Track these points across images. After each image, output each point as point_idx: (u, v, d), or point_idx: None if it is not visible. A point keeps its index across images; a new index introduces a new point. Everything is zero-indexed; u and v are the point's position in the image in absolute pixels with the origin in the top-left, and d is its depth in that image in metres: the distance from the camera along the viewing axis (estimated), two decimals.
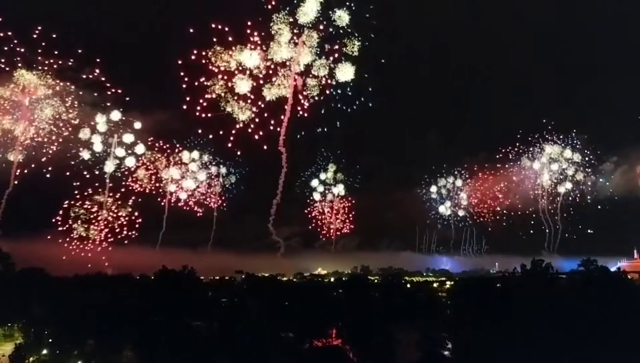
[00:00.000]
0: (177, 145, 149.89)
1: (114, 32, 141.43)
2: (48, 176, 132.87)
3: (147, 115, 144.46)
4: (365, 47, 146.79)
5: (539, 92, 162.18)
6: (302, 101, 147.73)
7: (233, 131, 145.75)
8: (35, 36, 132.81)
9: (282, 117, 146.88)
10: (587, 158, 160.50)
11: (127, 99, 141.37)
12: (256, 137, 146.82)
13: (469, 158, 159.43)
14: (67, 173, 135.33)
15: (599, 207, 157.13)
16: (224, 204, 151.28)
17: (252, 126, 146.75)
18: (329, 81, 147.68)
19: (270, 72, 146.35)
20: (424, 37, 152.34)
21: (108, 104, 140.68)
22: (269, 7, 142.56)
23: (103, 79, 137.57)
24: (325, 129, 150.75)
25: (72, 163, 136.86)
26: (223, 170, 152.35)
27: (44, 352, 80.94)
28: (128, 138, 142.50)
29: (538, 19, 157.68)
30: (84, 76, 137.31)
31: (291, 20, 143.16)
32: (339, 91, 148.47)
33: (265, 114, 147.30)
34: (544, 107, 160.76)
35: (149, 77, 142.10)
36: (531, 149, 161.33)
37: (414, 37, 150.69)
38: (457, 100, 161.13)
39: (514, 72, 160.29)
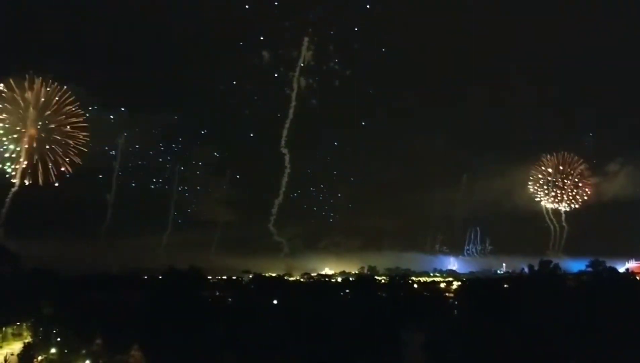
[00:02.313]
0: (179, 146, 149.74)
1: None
2: (55, 174, 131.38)
3: (152, 115, 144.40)
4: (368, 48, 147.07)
5: (544, 92, 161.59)
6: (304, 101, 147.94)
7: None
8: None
9: (286, 118, 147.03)
10: (592, 158, 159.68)
11: (133, 100, 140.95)
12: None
13: (475, 159, 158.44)
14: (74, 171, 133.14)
15: (605, 207, 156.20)
16: (227, 206, 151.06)
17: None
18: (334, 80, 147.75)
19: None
20: (428, 36, 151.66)
21: (114, 105, 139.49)
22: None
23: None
24: (329, 129, 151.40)
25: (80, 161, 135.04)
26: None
27: (53, 351, 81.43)
28: (134, 138, 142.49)
29: (540, 20, 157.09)
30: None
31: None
32: (343, 91, 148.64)
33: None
34: (549, 107, 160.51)
35: (152, 79, 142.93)
36: (536, 148, 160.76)
37: (419, 37, 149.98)
38: (462, 101, 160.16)
39: (518, 72, 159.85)
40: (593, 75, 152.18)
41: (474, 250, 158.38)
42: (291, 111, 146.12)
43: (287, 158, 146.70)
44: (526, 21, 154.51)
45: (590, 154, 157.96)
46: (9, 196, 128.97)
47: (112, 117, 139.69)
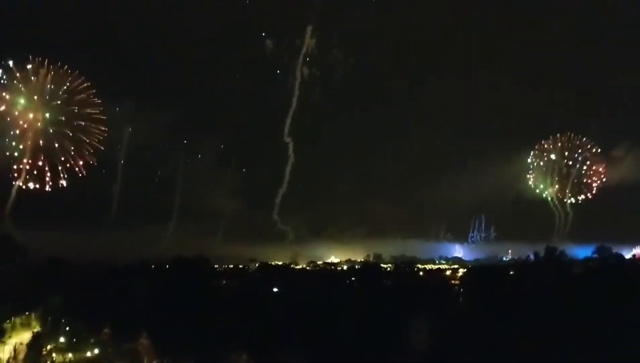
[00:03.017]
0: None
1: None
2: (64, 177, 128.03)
3: (158, 107, 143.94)
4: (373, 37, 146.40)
5: (549, 78, 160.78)
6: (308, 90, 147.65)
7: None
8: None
9: (289, 108, 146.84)
10: (598, 144, 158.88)
11: (139, 92, 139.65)
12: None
13: (480, 146, 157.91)
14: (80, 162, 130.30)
15: (611, 193, 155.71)
16: (233, 195, 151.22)
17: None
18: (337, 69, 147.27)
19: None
20: (433, 25, 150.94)
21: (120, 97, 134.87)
22: None
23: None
24: (333, 118, 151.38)
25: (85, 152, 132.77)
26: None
27: (61, 340, 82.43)
28: (140, 130, 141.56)
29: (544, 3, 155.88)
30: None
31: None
32: (349, 79, 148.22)
33: None
34: (554, 92, 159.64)
35: (157, 70, 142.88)
36: (541, 135, 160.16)
37: (424, 25, 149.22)
38: (467, 88, 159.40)
39: (524, 60, 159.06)
40: (598, 60, 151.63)
41: (478, 237, 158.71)
42: (295, 100, 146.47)
43: (290, 147, 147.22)
44: (531, 6, 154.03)
45: (595, 139, 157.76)
46: (15, 187, 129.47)
47: (117, 109, 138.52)
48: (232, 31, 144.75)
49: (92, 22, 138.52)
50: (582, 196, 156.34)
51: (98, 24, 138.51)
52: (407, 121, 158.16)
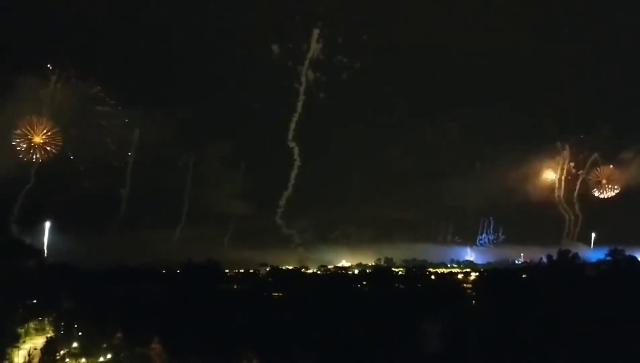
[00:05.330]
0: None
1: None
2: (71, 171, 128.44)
3: (166, 111, 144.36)
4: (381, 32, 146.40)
5: (558, 79, 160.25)
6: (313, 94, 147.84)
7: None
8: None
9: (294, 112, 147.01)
10: (608, 146, 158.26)
11: (148, 96, 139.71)
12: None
13: (489, 148, 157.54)
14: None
15: (621, 195, 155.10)
16: (241, 199, 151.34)
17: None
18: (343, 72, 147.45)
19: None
20: (444, 22, 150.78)
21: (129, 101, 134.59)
22: None
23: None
24: (339, 125, 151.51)
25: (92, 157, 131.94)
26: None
27: (74, 344, 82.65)
28: (149, 133, 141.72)
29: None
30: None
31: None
32: (354, 83, 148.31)
33: None
34: (566, 95, 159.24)
35: (166, 75, 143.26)
36: (550, 137, 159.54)
37: (429, 31, 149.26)
38: (478, 89, 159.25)
39: (535, 59, 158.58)
40: (608, 60, 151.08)
41: (486, 239, 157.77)
42: (300, 104, 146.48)
43: (296, 151, 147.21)
44: (539, 8, 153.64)
45: (605, 142, 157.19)
46: (23, 191, 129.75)
47: (126, 113, 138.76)
48: (239, 36, 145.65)
49: (100, 26, 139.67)
50: (592, 198, 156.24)
51: (106, 28, 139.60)
52: (414, 125, 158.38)
